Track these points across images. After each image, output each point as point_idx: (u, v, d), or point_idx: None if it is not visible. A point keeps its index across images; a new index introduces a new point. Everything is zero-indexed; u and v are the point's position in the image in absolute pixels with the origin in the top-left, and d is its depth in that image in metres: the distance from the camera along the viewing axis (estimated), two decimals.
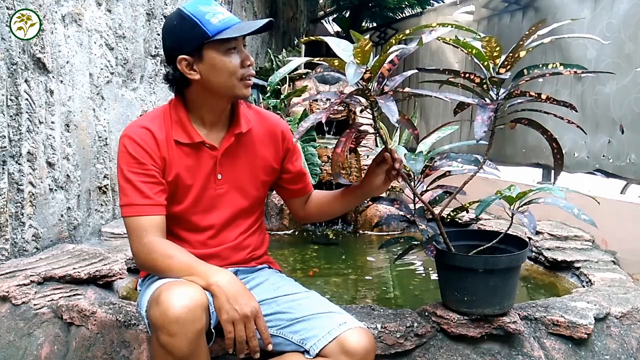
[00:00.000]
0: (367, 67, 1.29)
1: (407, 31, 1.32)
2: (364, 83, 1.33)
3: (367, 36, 5.35)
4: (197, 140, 1.39)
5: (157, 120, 1.39)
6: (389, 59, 1.32)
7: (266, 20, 1.32)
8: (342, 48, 1.35)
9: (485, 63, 1.36)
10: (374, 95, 1.34)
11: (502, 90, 1.39)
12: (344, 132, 1.41)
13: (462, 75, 1.40)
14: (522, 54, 1.33)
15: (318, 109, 3.70)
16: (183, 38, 1.31)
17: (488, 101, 1.39)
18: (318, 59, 1.37)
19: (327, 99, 3.40)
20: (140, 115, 2.89)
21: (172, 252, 1.29)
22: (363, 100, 1.40)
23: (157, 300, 1.15)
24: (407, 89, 1.41)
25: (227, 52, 1.32)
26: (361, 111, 1.48)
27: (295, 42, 5.84)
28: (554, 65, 1.38)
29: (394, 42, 1.29)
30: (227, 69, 1.32)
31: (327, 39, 1.37)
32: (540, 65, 1.40)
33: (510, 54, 1.33)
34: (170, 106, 1.42)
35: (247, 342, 1.21)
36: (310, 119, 1.33)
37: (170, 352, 1.14)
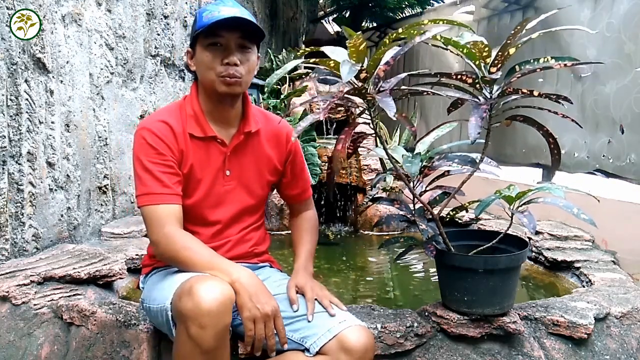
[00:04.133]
0: (362, 66, 1.29)
1: (400, 30, 1.32)
2: (361, 83, 1.34)
3: (368, 36, 5.35)
4: (210, 134, 1.43)
5: (173, 114, 1.44)
6: (384, 60, 1.32)
7: (247, 17, 1.34)
8: (337, 55, 1.37)
9: (477, 62, 1.36)
10: (371, 94, 1.35)
11: (495, 88, 1.39)
12: (343, 130, 1.43)
13: (455, 76, 1.41)
14: (512, 51, 1.33)
15: (318, 108, 3.70)
16: (190, 32, 1.43)
17: (482, 100, 1.39)
18: (314, 60, 1.38)
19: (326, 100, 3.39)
20: (143, 115, 2.90)
21: (192, 244, 1.31)
22: (360, 100, 1.41)
23: (189, 292, 1.15)
24: (404, 87, 1.42)
25: (208, 47, 1.37)
26: (359, 113, 1.49)
27: (295, 47, 5.85)
28: (545, 60, 1.38)
29: (387, 41, 1.30)
30: (204, 64, 1.38)
31: (323, 49, 1.39)
32: (532, 61, 1.40)
33: (500, 53, 1.33)
34: (185, 101, 1.47)
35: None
36: (308, 118, 1.35)
37: (199, 345, 1.14)
